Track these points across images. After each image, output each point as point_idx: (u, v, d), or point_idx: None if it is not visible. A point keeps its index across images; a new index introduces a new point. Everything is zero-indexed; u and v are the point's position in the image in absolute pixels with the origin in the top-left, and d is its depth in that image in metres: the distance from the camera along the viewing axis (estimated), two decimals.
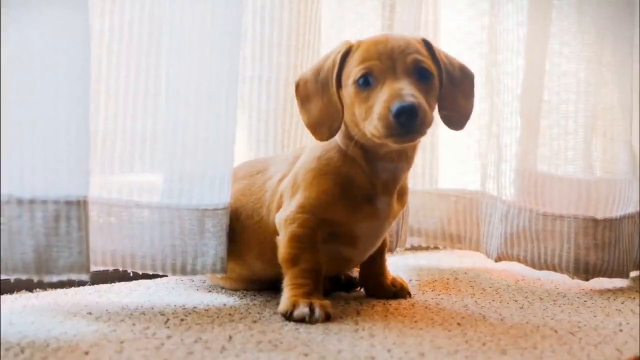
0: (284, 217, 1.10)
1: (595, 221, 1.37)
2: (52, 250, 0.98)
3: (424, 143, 1.58)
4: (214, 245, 1.14)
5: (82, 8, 1.00)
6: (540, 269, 1.41)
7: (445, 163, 1.63)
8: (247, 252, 1.18)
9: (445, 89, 1.09)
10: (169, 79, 1.13)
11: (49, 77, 0.98)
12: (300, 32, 1.36)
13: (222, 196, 1.15)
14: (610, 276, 1.38)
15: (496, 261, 1.46)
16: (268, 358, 0.86)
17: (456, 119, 1.12)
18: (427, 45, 1.09)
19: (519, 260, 1.43)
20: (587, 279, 1.38)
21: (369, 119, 1.02)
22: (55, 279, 0.99)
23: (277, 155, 1.30)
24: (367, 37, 1.09)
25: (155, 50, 1.14)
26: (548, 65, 1.42)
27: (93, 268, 1.19)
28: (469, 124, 1.54)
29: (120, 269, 1.15)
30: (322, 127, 1.09)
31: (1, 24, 0.95)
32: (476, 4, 1.57)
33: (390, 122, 0.98)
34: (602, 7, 1.40)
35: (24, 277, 0.98)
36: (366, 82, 1.04)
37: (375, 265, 1.23)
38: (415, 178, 1.58)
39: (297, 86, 1.12)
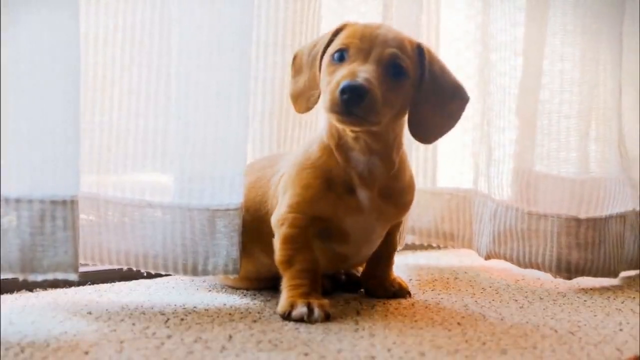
0: (276, 218, 1.11)
1: (578, 220, 1.37)
2: (36, 250, 0.98)
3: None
4: (226, 246, 1.14)
5: (73, 9, 1.00)
6: (525, 267, 1.41)
7: (442, 162, 1.63)
8: (253, 246, 1.18)
9: (426, 97, 1.08)
10: (180, 78, 1.14)
11: (37, 78, 0.98)
12: (296, 32, 1.35)
13: (233, 196, 1.15)
14: (595, 275, 1.39)
15: (486, 259, 1.47)
16: (268, 358, 0.86)
17: (424, 130, 1.11)
18: (419, 49, 1.09)
19: (505, 259, 1.43)
20: (569, 278, 1.38)
21: (325, 92, 1.03)
22: (40, 278, 0.99)
23: (289, 152, 1.30)
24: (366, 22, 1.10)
25: (166, 51, 1.15)
26: (545, 64, 1.42)
27: (107, 267, 1.21)
28: (464, 122, 1.57)
29: (134, 269, 1.16)
30: (301, 98, 1.12)
31: (1, 25, 0.95)
32: (474, 2, 1.57)
33: (336, 97, 0.99)
34: (598, 6, 1.40)
35: (9, 275, 0.98)
36: (340, 58, 1.05)
37: (379, 266, 1.22)
38: (419, 176, 1.58)
39: (295, 58, 1.15)
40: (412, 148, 1.56)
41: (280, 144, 1.37)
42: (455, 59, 1.58)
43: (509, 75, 1.44)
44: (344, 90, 0.98)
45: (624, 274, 1.46)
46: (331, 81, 1.02)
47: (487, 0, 1.48)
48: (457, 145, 1.62)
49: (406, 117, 1.11)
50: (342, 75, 1.01)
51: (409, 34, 1.24)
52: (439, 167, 1.62)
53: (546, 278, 1.44)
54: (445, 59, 1.57)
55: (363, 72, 1.00)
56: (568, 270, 1.37)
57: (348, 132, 1.07)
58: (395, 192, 1.14)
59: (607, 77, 1.44)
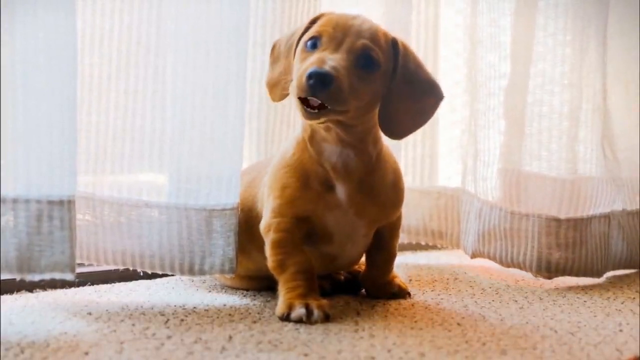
0: (263, 225, 1.11)
1: (558, 221, 1.39)
2: (33, 250, 0.98)
3: (418, 140, 1.58)
4: (222, 246, 1.15)
5: (69, 9, 1.00)
6: (508, 266, 1.43)
7: (436, 161, 1.64)
8: (250, 245, 1.18)
9: (397, 90, 1.07)
10: (176, 78, 1.14)
11: (34, 78, 0.98)
12: (285, 32, 1.35)
13: (229, 196, 1.15)
14: (577, 275, 1.40)
15: (472, 258, 1.48)
16: (268, 358, 0.86)
17: (394, 125, 1.10)
18: (394, 43, 1.09)
19: (489, 258, 1.45)
20: (549, 278, 1.40)
21: (294, 78, 1.03)
22: (37, 277, 0.99)
23: None
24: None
25: (162, 51, 1.15)
26: (532, 66, 1.44)
27: (106, 267, 1.21)
28: (459, 124, 1.57)
29: (130, 268, 1.16)
30: (276, 87, 1.12)
31: (1, 26, 0.95)
32: (469, 3, 1.57)
33: (302, 82, 0.99)
34: (583, 8, 1.42)
35: (6, 275, 0.98)
36: (313, 45, 1.05)
37: (379, 268, 1.22)
38: (408, 175, 1.58)
39: (273, 47, 1.15)
40: (408, 147, 1.57)
41: (269, 143, 1.38)
42: (455, 60, 1.58)
43: (497, 77, 1.45)
44: (310, 76, 0.98)
45: (610, 273, 1.48)
46: (301, 68, 1.02)
47: (476, 3, 1.48)
48: (449, 146, 1.62)
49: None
50: (310, 62, 1.01)
51: (400, 33, 1.25)
52: (433, 166, 1.62)
53: (546, 279, 1.44)
54: (444, 60, 1.59)
55: (332, 60, 1.00)
56: (548, 269, 1.39)
57: (305, 117, 1.04)
58: (375, 190, 1.12)
59: (593, 78, 1.45)
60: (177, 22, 1.14)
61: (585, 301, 1.25)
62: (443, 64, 1.59)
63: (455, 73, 1.58)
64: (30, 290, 1.18)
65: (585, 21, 1.42)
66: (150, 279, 1.29)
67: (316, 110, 1.00)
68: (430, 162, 1.61)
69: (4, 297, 1.14)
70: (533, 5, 1.44)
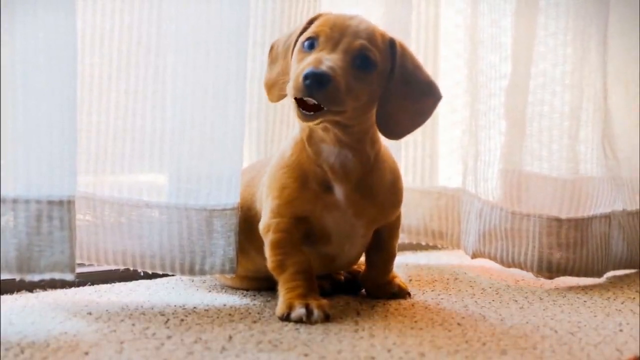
0: (262, 226, 1.11)
1: (559, 221, 1.39)
2: (33, 250, 0.98)
3: (419, 141, 1.58)
4: (222, 246, 1.15)
5: (69, 9, 1.00)
6: (509, 266, 1.43)
7: (436, 161, 1.64)
8: (249, 245, 1.18)
9: (395, 91, 1.07)
10: (176, 78, 1.14)
11: (34, 78, 0.98)
12: (284, 32, 1.35)
13: (230, 196, 1.15)
14: (577, 275, 1.41)
15: (472, 258, 1.48)
16: (268, 358, 0.86)
17: (391, 125, 1.09)
18: (391, 43, 1.08)
19: (490, 258, 1.45)
20: (550, 278, 1.40)
21: (291, 78, 1.03)
22: (37, 278, 0.99)
23: None
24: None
25: (163, 51, 1.15)
26: (533, 67, 1.44)
27: (106, 267, 1.21)
28: (459, 124, 1.57)
29: (131, 269, 1.16)
30: (274, 88, 1.12)
31: (1, 26, 0.95)
32: (469, 4, 1.57)
33: (299, 83, 0.99)
34: (584, 8, 1.42)
35: (6, 276, 0.98)
36: (310, 46, 1.05)
37: (378, 269, 1.22)
38: (408, 175, 1.58)
39: (271, 48, 1.15)
40: (408, 148, 1.57)
41: (268, 143, 1.38)
42: (455, 60, 1.58)
43: (498, 77, 1.45)
44: (306, 76, 0.98)
45: (611, 273, 1.48)
46: (298, 68, 1.02)
47: (477, 3, 1.48)
48: (450, 146, 1.63)
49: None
50: (307, 63, 1.00)
51: (400, 33, 1.24)
52: (433, 166, 1.62)
53: (546, 279, 1.44)
54: (445, 60, 1.59)
55: (328, 60, 1.00)
56: (549, 269, 1.39)
57: (301, 118, 1.04)
58: (374, 190, 1.12)
59: (594, 78, 1.45)
60: (177, 22, 1.14)
61: (585, 301, 1.25)
62: (443, 65, 1.59)
63: (455, 73, 1.58)
64: (30, 290, 1.18)
65: (586, 20, 1.43)
66: (151, 279, 1.29)
67: (312, 113, 1.00)
68: (431, 163, 1.61)
69: (4, 297, 1.14)
70: (534, 6, 1.44)
